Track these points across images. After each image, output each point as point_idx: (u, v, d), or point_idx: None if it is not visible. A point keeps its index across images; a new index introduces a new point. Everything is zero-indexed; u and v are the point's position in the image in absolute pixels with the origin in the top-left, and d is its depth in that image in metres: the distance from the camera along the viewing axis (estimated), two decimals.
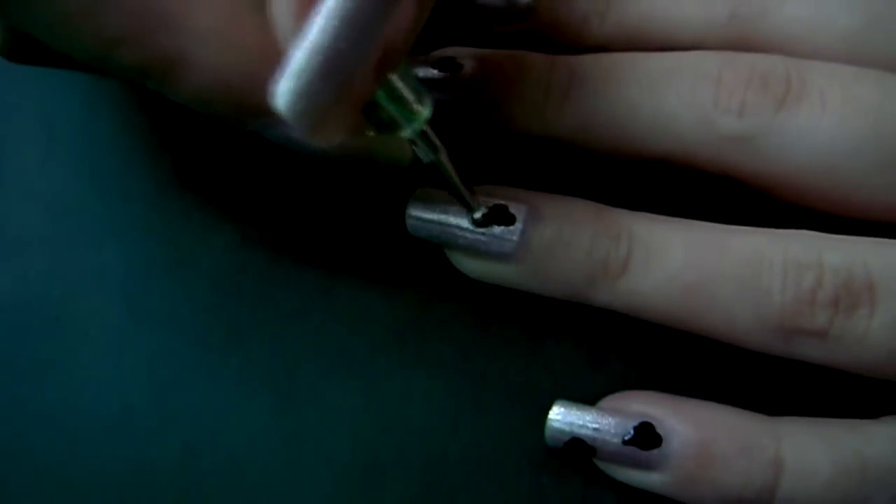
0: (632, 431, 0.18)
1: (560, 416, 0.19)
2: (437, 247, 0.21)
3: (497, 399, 0.20)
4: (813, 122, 0.18)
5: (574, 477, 0.20)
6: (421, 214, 0.20)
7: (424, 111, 0.18)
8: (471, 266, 0.20)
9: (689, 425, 0.18)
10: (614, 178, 0.21)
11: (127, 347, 0.21)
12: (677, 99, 0.19)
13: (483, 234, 0.19)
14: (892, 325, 0.17)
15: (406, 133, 0.18)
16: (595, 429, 0.19)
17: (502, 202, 0.19)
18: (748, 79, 0.19)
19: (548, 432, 0.19)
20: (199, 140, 0.23)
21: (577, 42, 0.22)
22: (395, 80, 0.17)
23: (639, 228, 0.19)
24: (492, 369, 0.21)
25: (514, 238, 0.19)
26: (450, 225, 0.20)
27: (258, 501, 0.20)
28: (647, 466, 0.18)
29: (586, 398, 0.20)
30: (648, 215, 0.20)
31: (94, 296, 0.22)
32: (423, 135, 0.18)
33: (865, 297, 0.18)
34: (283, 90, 0.15)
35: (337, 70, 0.15)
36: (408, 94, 0.17)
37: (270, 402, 0.21)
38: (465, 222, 0.20)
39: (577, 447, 0.19)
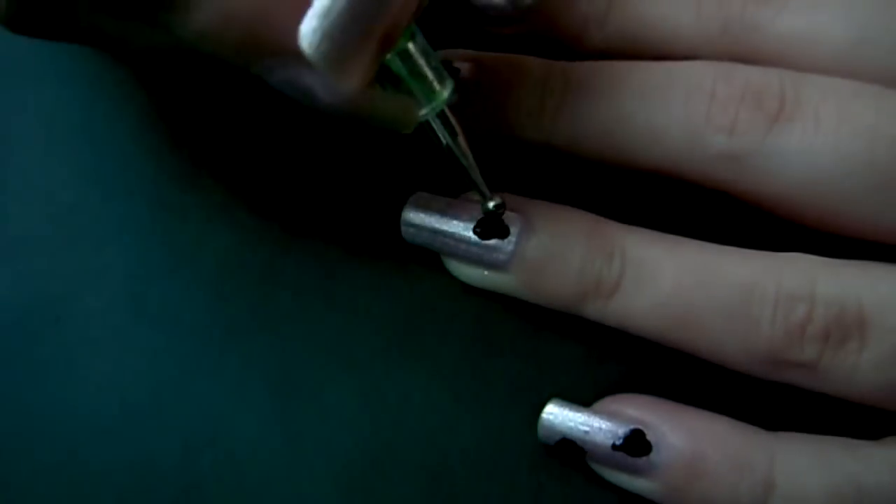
0: (622, 437, 0.18)
1: (552, 415, 0.19)
2: None
3: (497, 399, 0.20)
4: (805, 142, 0.18)
5: (574, 476, 0.20)
6: (416, 222, 0.20)
7: (445, 91, 0.18)
8: (466, 273, 0.20)
9: (681, 436, 0.18)
10: (611, 184, 0.21)
11: (127, 347, 0.21)
12: (670, 113, 0.19)
13: (477, 244, 0.19)
14: (882, 361, 0.17)
15: (425, 112, 0.18)
16: (585, 431, 0.19)
17: (498, 212, 0.20)
18: (741, 94, 0.19)
19: (540, 430, 0.19)
20: (199, 140, 0.23)
21: (576, 47, 0.22)
22: (417, 56, 0.17)
23: (632, 248, 0.19)
24: (492, 369, 0.21)
25: (509, 249, 0.19)
26: (444, 234, 0.20)
27: (258, 501, 0.20)
28: (635, 472, 0.18)
29: (586, 399, 0.20)
30: (643, 232, 0.20)
31: (94, 296, 0.22)
32: (442, 116, 0.18)
33: (856, 331, 0.17)
34: (309, 30, 0.15)
35: (365, 11, 0.15)
36: (428, 72, 0.17)
37: (270, 402, 0.21)
38: (460, 231, 0.20)
39: (568, 447, 0.19)
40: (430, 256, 0.21)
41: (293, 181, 0.22)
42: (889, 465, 0.18)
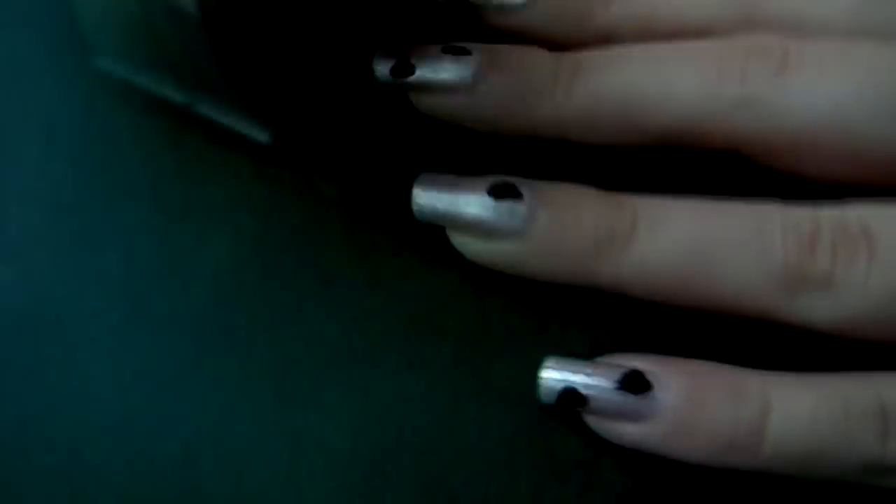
0: (622, 378, 0.19)
1: (552, 369, 0.19)
2: (437, 246, 0.21)
3: (497, 399, 0.20)
4: (812, 78, 0.19)
5: (574, 477, 0.20)
6: (428, 191, 0.20)
7: None
8: (476, 248, 0.20)
9: (677, 373, 0.19)
10: (615, 181, 0.21)
11: (127, 347, 0.21)
12: (682, 72, 0.20)
13: (493, 207, 0.20)
14: (892, 266, 0.18)
15: None
16: (587, 374, 0.19)
17: (511, 181, 0.20)
18: (748, 51, 0.20)
19: (541, 384, 0.19)
20: (198, 140, 0.23)
21: (580, 31, 0.22)
22: None
23: (641, 202, 0.20)
24: (492, 369, 0.21)
25: (524, 211, 0.19)
26: (457, 201, 0.20)
27: (258, 501, 0.20)
28: (639, 414, 0.19)
29: None
30: (649, 196, 0.20)
31: (94, 296, 0.22)
32: None
33: (863, 242, 0.18)
34: None
35: None
36: None
37: (270, 402, 0.21)
38: (473, 196, 0.20)
39: (571, 398, 0.19)
40: (429, 257, 0.21)
41: (293, 181, 0.22)
42: (872, 381, 0.18)
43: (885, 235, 0.18)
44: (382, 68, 0.22)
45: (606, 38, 0.22)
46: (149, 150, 0.23)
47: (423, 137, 0.21)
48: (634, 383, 0.19)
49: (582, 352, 0.20)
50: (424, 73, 0.21)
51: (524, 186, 0.20)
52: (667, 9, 0.22)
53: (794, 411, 0.18)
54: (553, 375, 0.19)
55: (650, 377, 0.19)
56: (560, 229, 0.20)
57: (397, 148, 0.22)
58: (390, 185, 0.22)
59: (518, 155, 0.22)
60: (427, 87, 0.21)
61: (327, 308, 0.21)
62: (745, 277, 0.19)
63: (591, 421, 0.19)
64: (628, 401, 0.19)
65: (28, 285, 0.22)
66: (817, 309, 0.18)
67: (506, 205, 0.20)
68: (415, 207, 0.20)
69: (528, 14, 0.22)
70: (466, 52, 0.21)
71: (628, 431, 0.19)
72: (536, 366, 0.20)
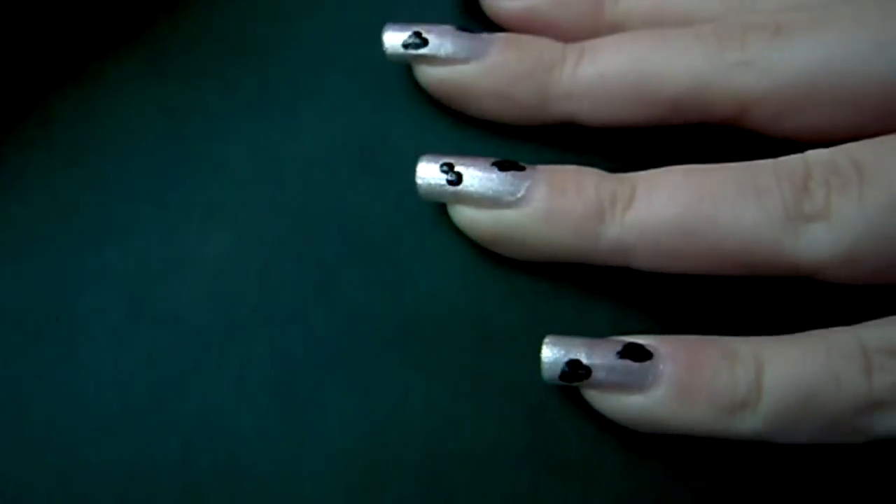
0: (622, 348, 0.19)
1: (553, 345, 0.20)
2: (437, 246, 0.21)
3: (497, 399, 0.20)
4: (806, 34, 0.20)
5: (574, 477, 0.20)
6: (432, 164, 0.21)
7: None
8: (479, 219, 0.21)
9: (671, 342, 0.19)
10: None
11: (127, 347, 0.21)
12: (685, 45, 0.21)
13: (497, 177, 0.20)
14: (884, 187, 0.18)
15: None
16: (589, 347, 0.19)
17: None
18: (743, 27, 0.21)
19: (543, 361, 0.19)
20: (198, 139, 0.23)
21: (589, 27, 0.23)
22: None
23: (640, 175, 0.20)
24: (492, 369, 0.21)
25: (528, 179, 0.20)
26: (462, 171, 0.20)
27: (258, 501, 0.20)
28: (642, 382, 0.19)
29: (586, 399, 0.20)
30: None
31: (94, 295, 0.22)
32: None
33: (853, 171, 0.19)
34: None
35: None
36: None
37: (270, 402, 0.21)
38: (477, 170, 0.20)
39: (575, 371, 0.19)
40: (429, 257, 0.21)
41: (293, 180, 0.22)
42: (849, 329, 0.19)
43: (873, 161, 0.19)
44: (392, 41, 0.22)
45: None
46: (148, 150, 0.23)
47: (423, 135, 0.21)
48: (635, 353, 0.19)
49: None
50: (433, 46, 0.22)
51: (527, 164, 0.21)
52: (674, 4, 0.22)
53: (784, 364, 0.18)
54: (554, 352, 0.20)
55: (648, 348, 0.19)
56: (563, 195, 0.20)
57: (394, 148, 0.22)
58: (389, 183, 0.22)
59: (519, 149, 0.22)
60: (435, 60, 0.22)
61: (327, 308, 0.21)
62: (746, 223, 0.19)
63: (593, 396, 0.20)
64: (631, 368, 0.19)
65: (28, 285, 0.22)
66: (820, 242, 0.19)
67: (510, 174, 0.20)
68: (419, 182, 0.21)
69: (536, 13, 0.23)
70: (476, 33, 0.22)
71: (631, 402, 0.19)
72: (536, 365, 0.20)
